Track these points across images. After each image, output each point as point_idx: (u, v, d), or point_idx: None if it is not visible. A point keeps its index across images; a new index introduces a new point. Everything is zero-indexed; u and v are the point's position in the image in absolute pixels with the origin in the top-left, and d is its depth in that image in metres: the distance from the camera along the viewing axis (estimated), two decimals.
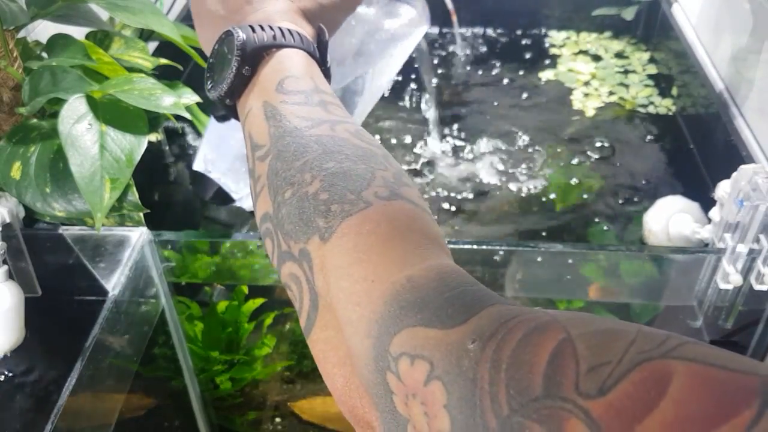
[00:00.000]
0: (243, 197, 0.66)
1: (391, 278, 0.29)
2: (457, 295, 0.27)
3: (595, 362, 0.20)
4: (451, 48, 1.41)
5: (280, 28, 0.41)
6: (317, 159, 0.34)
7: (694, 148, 1.07)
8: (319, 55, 0.43)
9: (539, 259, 0.70)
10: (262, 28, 0.40)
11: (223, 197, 0.65)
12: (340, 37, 0.61)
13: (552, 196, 1.04)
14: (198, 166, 0.65)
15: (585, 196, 1.04)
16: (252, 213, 0.69)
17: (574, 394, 0.20)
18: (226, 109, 0.43)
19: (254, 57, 0.40)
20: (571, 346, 0.21)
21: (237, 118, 0.43)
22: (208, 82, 0.43)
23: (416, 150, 1.14)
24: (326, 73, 0.44)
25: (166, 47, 1.01)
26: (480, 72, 1.34)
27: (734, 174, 0.67)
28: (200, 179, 0.64)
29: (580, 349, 0.21)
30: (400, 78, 1.30)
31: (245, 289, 0.91)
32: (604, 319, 0.22)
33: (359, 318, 0.29)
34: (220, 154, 0.64)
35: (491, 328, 0.24)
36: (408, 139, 1.16)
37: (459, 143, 1.16)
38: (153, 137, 1.05)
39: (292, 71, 0.40)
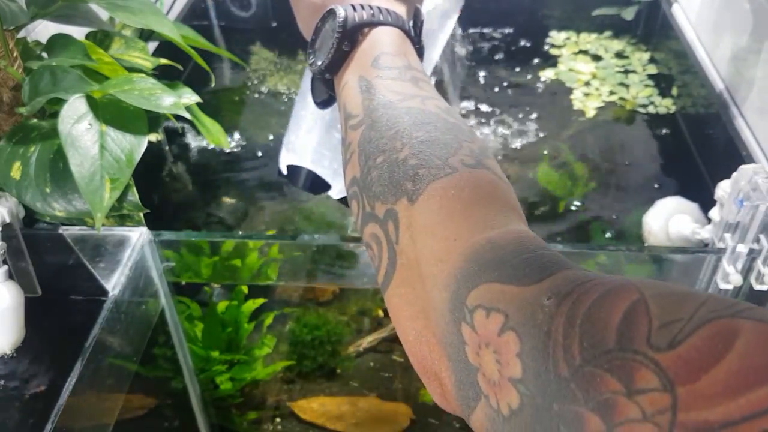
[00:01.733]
0: (334, 186, 0.67)
1: (472, 238, 0.31)
2: (534, 258, 0.28)
3: (667, 319, 0.21)
4: (451, 48, 1.41)
5: (378, 7, 0.44)
6: (408, 129, 0.36)
7: (694, 148, 1.07)
8: (414, 33, 0.46)
9: None
10: (362, 7, 0.43)
11: (317, 185, 0.66)
12: None
13: (552, 195, 1.04)
14: (288, 159, 0.65)
15: (585, 195, 1.04)
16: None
17: (646, 347, 0.21)
18: (324, 83, 0.46)
19: (353, 33, 0.43)
20: (644, 305, 0.22)
21: (333, 92, 0.46)
22: (310, 57, 0.46)
23: None
24: (419, 52, 0.46)
25: (166, 47, 1.01)
26: (480, 72, 1.34)
27: (734, 174, 0.67)
28: (292, 170, 0.65)
29: (652, 308, 0.22)
30: None
31: (245, 289, 0.91)
32: (678, 285, 0.23)
33: (440, 272, 0.31)
34: (305, 143, 0.64)
35: (567, 287, 0.25)
36: None
37: None
38: (153, 137, 1.05)
39: (387, 48, 0.42)
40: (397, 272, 0.34)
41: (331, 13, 0.44)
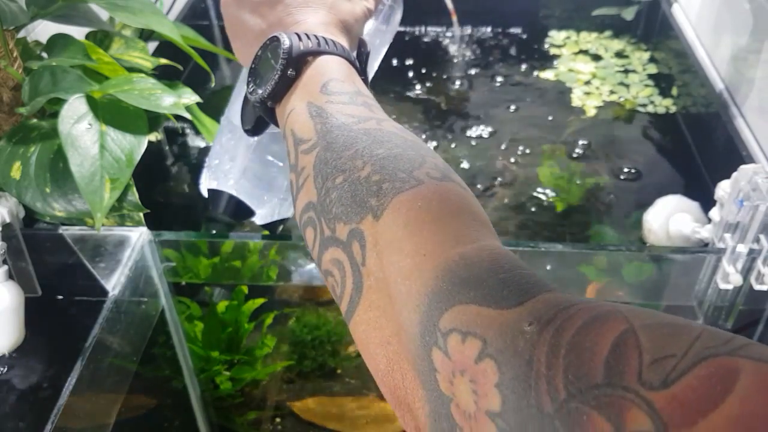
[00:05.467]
0: (259, 213, 0.67)
1: (444, 253, 0.29)
2: (512, 277, 0.26)
3: (659, 354, 0.20)
4: (451, 48, 1.41)
5: (324, 37, 0.43)
6: (368, 147, 0.35)
7: (694, 148, 1.07)
8: (360, 64, 0.46)
9: (539, 259, 0.70)
10: (307, 36, 0.43)
11: (240, 211, 0.66)
12: None
13: (552, 195, 1.04)
14: (208, 183, 0.65)
15: (585, 195, 1.04)
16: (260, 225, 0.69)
17: (637, 385, 0.19)
18: (265, 112, 0.45)
19: (298, 61, 0.42)
20: (634, 337, 0.21)
21: (274, 122, 0.45)
22: (250, 86, 0.45)
23: None
24: (365, 82, 0.45)
25: (166, 47, 1.01)
26: (480, 71, 1.34)
27: (734, 174, 0.67)
28: (213, 195, 0.65)
29: (643, 340, 0.20)
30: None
31: (245, 289, 0.91)
32: (668, 314, 0.22)
33: (408, 291, 0.29)
34: (230, 169, 0.64)
35: (549, 313, 0.23)
36: None
37: (459, 143, 1.16)
38: (153, 137, 1.05)
39: (335, 75, 0.42)
40: (364, 296, 0.32)
41: (274, 40, 0.43)
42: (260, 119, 0.47)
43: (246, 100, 0.49)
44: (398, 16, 0.63)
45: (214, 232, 0.73)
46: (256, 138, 0.59)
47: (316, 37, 0.43)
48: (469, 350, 0.25)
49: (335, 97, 0.40)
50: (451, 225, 0.30)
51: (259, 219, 0.68)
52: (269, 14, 0.46)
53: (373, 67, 0.63)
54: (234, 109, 0.63)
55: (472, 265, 0.27)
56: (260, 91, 0.43)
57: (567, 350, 0.21)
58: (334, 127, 0.37)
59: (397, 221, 0.31)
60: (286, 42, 0.42)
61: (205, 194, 0.66)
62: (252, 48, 0.46)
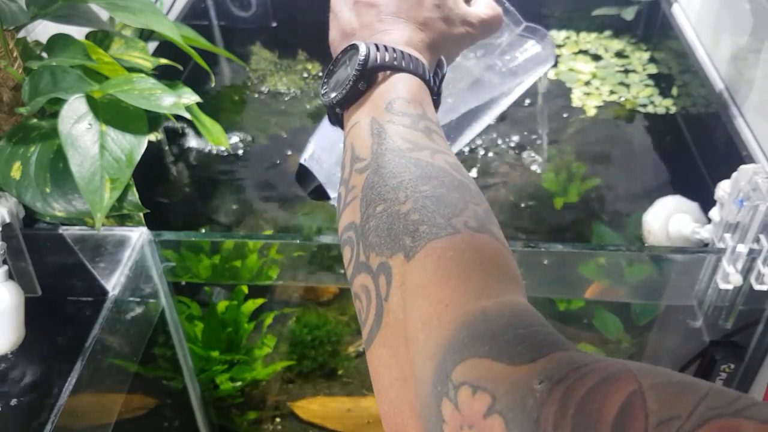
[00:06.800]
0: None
1: (465, 306, 0.29)
2: (529, 334, 0.26)
3: (665, 416, 0.20)
4: None
5: (402, 51, 0.42)
6: (413, 180, 0.35)
7: (694, 148, 1.07)
8: (434, 83, 0.45)
9: (539, 258, 0.70)
10: (386, 48, 0.42)
11: (320, 194, 0.66)
12: (463, 67, 0.62)
13: (552, 195, 1.04)
14: (307, 160, 0.65)
15: (585, 195, 1.04)
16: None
17: None
18: (332, 116, 0.45)
19: (372, 74, 0.41)
20: (641, 398, 0.21)
21: (341, 125, 0.44)
22: (323, 87, 0.45)
23: None
24: (436, 103, 0.45)
25: (166, 47, 1.01)
26: None
27: (734, 174, 0.67)
28: (304, 173, 0.64)
29: (650, 401, 0.21)
30: None
31: (245, 289, 0.91)
32: (677, 372, 0.22)
33: (426, 339, 0.29)
34: (326, 156, 0.64)
35: (561, 372, 0.23)
36: None
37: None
38: (153, 137, 1.05)
39: (403, 94, 0.41)
40: (381, 331, 0.32)
41: (354, 48, 0.42)
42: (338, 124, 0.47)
43: None
44: (544, 66, 0.62)
45: (207, 231, 0.73)
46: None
47: (394, 50, 0.42)
48: (479, 405, 0.25)
49: (398, 118, 0.39)
50: (478, 278, 0.30)
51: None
52: (364, 15, 0.46)
53: (492, 115, 0.63)
54: None
55: (491, 319, 0.28)
56: (332, 95, 0.43)
57: (575, 411, 0.22)
58: (388, 150, 0.37)
59: (427, 267, 0.31)
60: (363, 51, 0.41)
61: (304, 162, 0.66)
62: (341, 44, 0.46)
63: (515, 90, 0.63)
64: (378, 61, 0.41)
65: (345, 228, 0.37)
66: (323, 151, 0.63)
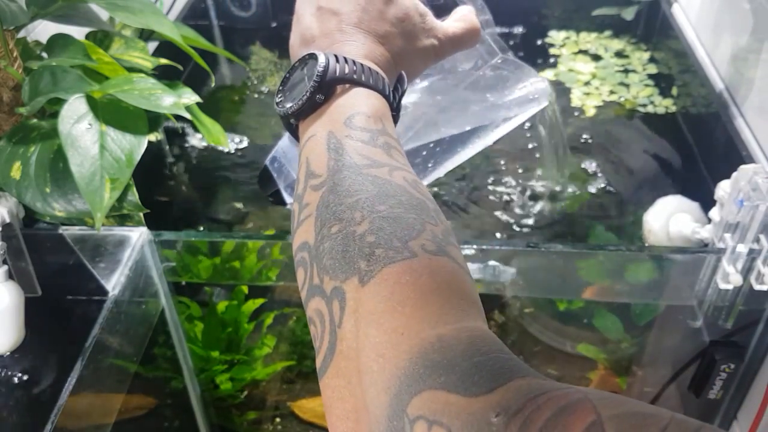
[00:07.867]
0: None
1: (421, 334, 0.28)
2: (486, 362, 0.26)
3: None
4: None
5: (362, 65, 0.41)
6: (370, 200, 0.34)
7: (694, 148, 1.07)
8: (394, 99, 0.43)
9: (539, 258, 0.70)
10: (345, 60, 0.40)
11: (279, 199, 0.65)
12: (451, 95, 0.61)
13: (552, 195, 1.04)
14: (268, 163, 0.64)
15: (585, 195, 1.04)
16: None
17: None
18: (287, 126, 0.43)
19: (331, 86, 0.40)
20: (600, 429, 0.20)
21: (296, 136, 0.43)
22: (278, 96, 0.43)
23: None
24: (395, 118, 0.44)
25: (166, 47, 1.01)
26: None
27: (734, 174, 0.67)
28: (266, 175, 0.64)
29: None
30: None
31: (245, 289, 0.91)
32: (638, 402, 0.22)
33: (380, 369, 0.28)
34: (287, 162, 0.64)
35: (518, 402, 0.23)
36: None
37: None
38: (153, 137, 1.05)
39: (364, 109, 0.39)
40: (335, 360, 0.30)
41: (313, 57, 0.41)
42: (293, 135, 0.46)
43: None
44: (537, 106, 0.62)
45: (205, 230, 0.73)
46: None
47: (354, 62, 0.40)
48: None
49: (356, 133, 0.38)
50: (435, 304, 0.29)
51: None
52: (325, 22, 0.44)
53: (475, 148, 0.63)
54: None
55: (448, 348, 0.27)
56: (288, 105, 0.41)
57: None
58: (344, 166, 0.36)
59: (382, 293, 0.30)
60: (322, 62, 0.39)
61: (268, 164, 0.66)
62: (300, 50, 0.44)
63: (501, 129, 0.63)
64: (337, 73, 0.39)
65: (299, 248, 0.36)
66: (284, 155, 0.63)
